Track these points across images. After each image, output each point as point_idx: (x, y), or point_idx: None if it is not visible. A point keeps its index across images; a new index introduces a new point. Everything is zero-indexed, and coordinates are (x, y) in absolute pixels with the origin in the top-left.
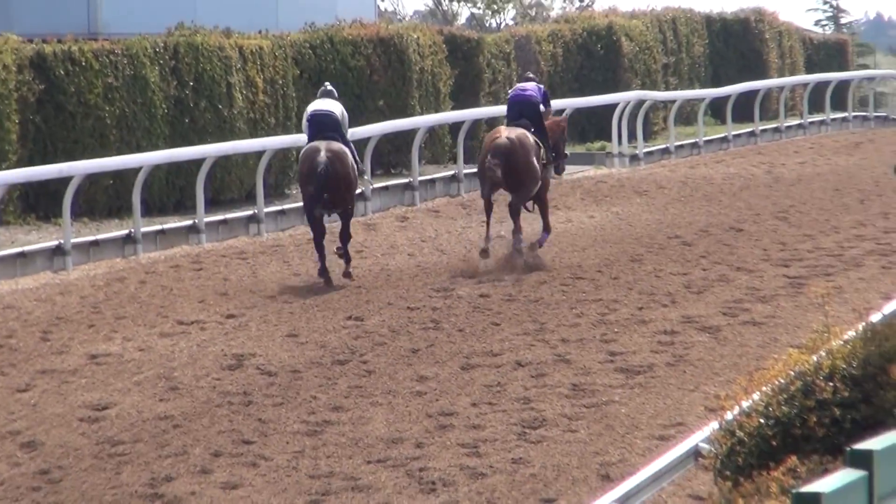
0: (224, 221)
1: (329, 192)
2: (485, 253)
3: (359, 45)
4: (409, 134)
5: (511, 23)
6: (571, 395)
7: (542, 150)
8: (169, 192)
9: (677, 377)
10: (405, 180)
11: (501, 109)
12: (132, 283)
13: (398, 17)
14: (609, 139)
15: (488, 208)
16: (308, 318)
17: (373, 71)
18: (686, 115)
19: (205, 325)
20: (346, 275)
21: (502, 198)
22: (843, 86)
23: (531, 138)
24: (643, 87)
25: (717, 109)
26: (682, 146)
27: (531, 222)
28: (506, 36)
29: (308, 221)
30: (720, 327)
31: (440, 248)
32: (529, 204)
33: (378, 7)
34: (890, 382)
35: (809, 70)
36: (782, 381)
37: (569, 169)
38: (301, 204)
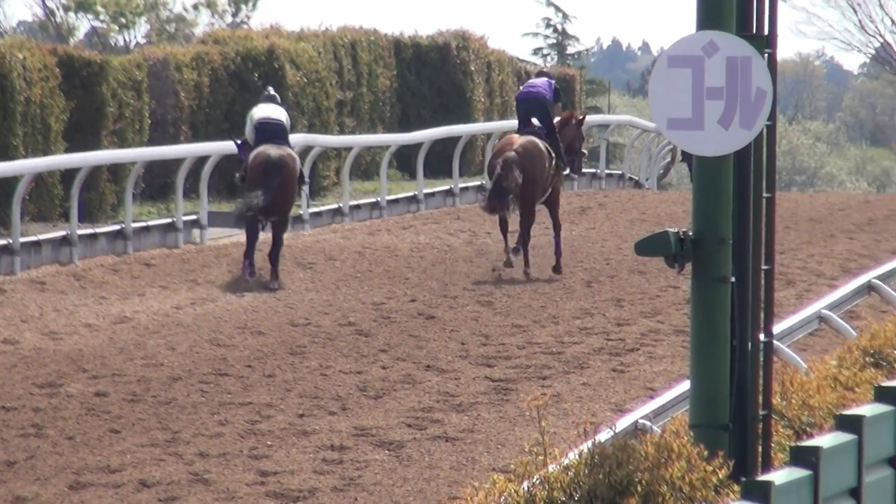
0: None
1: (278, 190)
2: (508, 264)
3: None
4: (9, 183)
5: (144, 41)
6: None
7: (553, 158)
8: None
9: None
10: (1, 242)
11: (132, 153)
12: None
13: None
14: None
15: (503, 226)
16: None
17: None
18: (365, 166)
19: None
20: (273, 283)
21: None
22: None
23: (541, 145)
24: (311, 129)
25: (405, 160)
26: (359, 206)
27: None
28: (137, 59)
29: (246, 225)
30: (403, 443)
31: (46, 330)
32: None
33: None
34: None
35: None
36: None
37: (214, 233)
38: None
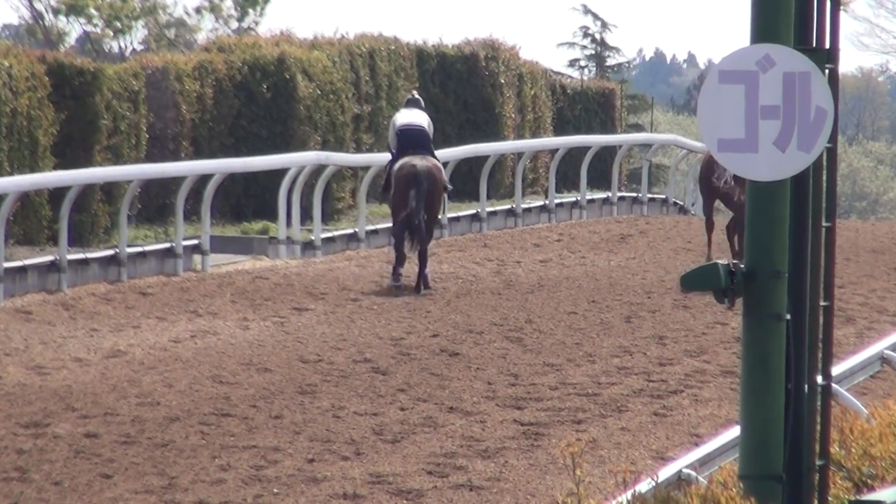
0: None
1: (426, 202)
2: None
3: None
4: None
5: (141, 48)
6: None
7: None
8: None
9: None
10: None
11: (127, 171)
12: None
13: None
14: (274, 219)
15: (710, 227)
16: None
17: None
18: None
19: None
20: (426, 286)
21: None
22: (606, 154)
23: None
24: (325, 146)
25: None
26: (376, 231)
27: None
28: (134, 67)
29: (394, 236)
30: (423, 492)
31: (32, 364)
32: None
33: None
34: None
35: (561, 129)
36: None
37: (217, 259)
38: None
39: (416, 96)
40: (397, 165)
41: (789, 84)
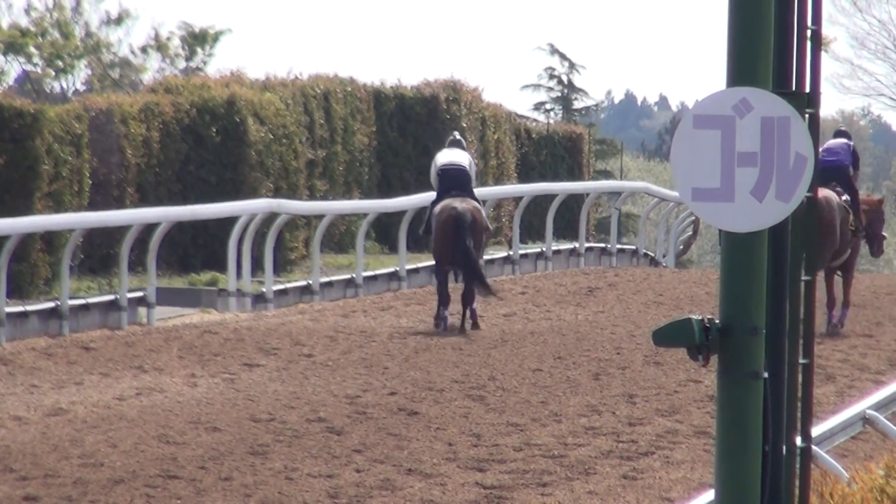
0: None
1: (468, 242)
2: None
3: None
4: None
5: (84, 89)
6: None
7: (850, 216)
8: None
9: None
10: None
11: (69, 219)
12: None
13: None
14: (223, 270)
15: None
16: None
17: None
18: (339, 236)
19: None
20: (475, 326)
21: None
22: (573, 202)
23: (835, 198)
24: (277, 193)
25: (385, 230)
26: (330, 283)
27: None
28: (77, 109)
29: (437, 279)
30: None
31: None
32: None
33: None
34: None
35: (525, 176)
36: None
37: (163, 312)
38: None
39: (458, 137)
40: (437, 209)
41: (767, 130)
